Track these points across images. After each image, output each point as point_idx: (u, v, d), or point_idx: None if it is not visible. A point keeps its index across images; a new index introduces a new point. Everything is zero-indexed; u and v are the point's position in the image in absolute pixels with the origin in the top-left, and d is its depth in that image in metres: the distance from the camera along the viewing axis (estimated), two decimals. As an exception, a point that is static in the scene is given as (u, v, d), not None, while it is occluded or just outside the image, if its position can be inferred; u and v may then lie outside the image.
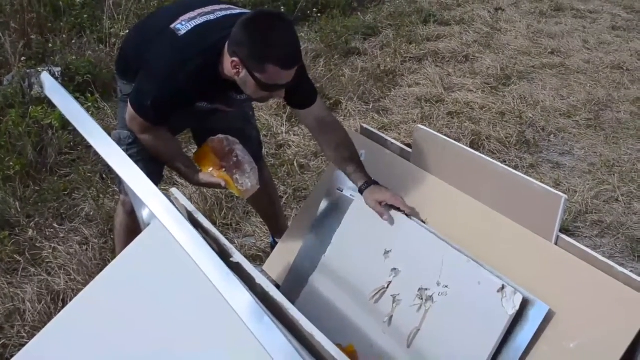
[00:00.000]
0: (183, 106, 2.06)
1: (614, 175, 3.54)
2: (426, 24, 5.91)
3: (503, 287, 1.66)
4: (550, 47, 5.49)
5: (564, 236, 1.83)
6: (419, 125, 2.26)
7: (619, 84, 4.81)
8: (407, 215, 2.05)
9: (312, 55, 4.87)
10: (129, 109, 2.05)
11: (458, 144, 2.09)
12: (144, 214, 1.92)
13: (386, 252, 1.99)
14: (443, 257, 1.85)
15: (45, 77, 1.73)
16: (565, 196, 1.81)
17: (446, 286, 1.78)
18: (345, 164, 2.16)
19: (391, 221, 2.07)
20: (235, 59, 1.87)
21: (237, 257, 1.66)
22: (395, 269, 1.96)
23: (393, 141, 2.32)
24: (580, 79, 4.88)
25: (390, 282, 1.97)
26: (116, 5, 4.86)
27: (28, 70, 3.96)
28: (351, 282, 2.14)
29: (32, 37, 4.27)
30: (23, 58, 3.97)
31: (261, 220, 2.99)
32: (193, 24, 2.01)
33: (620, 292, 1.68)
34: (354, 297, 2.11)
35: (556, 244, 1.84)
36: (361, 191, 2.11)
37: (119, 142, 2.13)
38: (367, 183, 2.11)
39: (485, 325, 1.69)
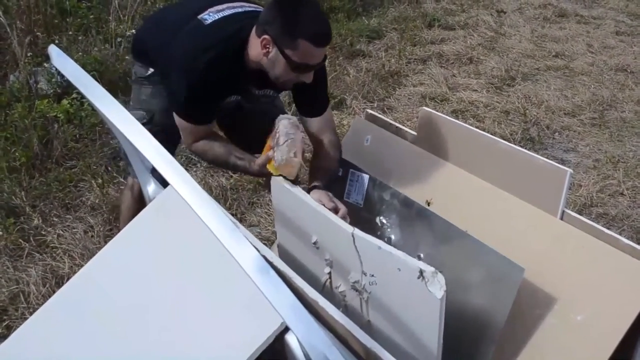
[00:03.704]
0: (217, 97, 2.02)
1: (618, 170, 3.55)
2: (430, 28, 5.94)
3: (421, 272, 1.42)
4: (554, 50, 5.52)
5: (569, 211, 1.83)
6: (424, 108, 2.26)
7: (623, 85, 4.82)
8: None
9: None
10: (176, 119, 2.01)
11: (462, 123, 2.09)
12: (149, 190, 1.93)
13: (314, 243, 1.83)
14: (357, 245, 1.65)
15: (52, 48, 1.74)
16: (570, 170, 1.81)
17: (372, 275, 1.64)
18: (318, 171, 2.05)
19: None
20: (265, 36, 1.84)
21: (242, 230, 1.65)
22: (327, 259, 1.81)
23: (398, 125, 2.33)
24: (585, 81, 4.90)
25: (330, 273, 1.84)
26: (122, 7, 4.89)
27: (34, 68, 3.99)
28: (302, 274, 1.99)
29: (38, 34, 4.30)
30: (29, 54, 3.99)
31: (266, 210, 2.99)
32: (220, 15, 2.01)
33: (627, 264, 1.68)
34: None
35: (562, 218, 1.83)
36: (309, 190, 1.96)
37: None
38: (318, 187, 1.96)
39: (421, 312, 1.49)
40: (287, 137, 1.85)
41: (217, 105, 2.04)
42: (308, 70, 1.90)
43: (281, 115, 1.95)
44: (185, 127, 2.03)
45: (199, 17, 2.01)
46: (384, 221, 2.05)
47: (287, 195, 1.83)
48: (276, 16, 1.83)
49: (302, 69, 1.88)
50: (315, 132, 2.14)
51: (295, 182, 1.87)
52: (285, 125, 1.87)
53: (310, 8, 1.86)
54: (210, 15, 2.01)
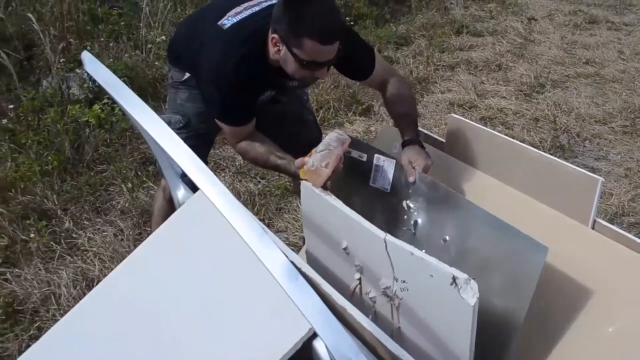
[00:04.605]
0: (249, 97, 2.04)
1: (651, 179, 3.49)
2: (459, 34, 5.93)
3: (454, 279, 1.42)
4: (584, 57, 5.46)
5: (600, 220, 1.80)
6: (453, 115, 2.25)
7: (655, 93, 4.75)
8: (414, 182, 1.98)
9: (344, 63, 4.90)
10: (218, 123, 2.05)
11: (491, 130, 2.08)
12: (179, 195, 1.95)
13: (344, 249, 1.80)
14: (389, 250, 1.62)
15: (85, 54, 1.76)
16: (601, 179, 1.78)
17: (404, 281, 1.62)
18: (400, 119, 2.15)
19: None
20: (275, 35, 1.86)
21: (270, 235, 1.66)
22: (357, 265, 1.78)
23: (426, 132, 2.32)
24: (616, 88, 4.83)
25: (360, 279, 1.82)
26: (152, 14, 4.95)
27: (67, 74, 4.06)
28: (330, 280, 1.94)
29: (71, 40, 4.38)
30: (62, 60, 4.06)
31: (293, 216, 3.00)
32: (239, 17, 2.03)
33: (660, 274, 1.65)
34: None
35: (593, 228, 1.81)
36: (403, 145, 2.07)
37: (168, 125, 2.13)
38: (411, 141, 2.06)
39: (453, 319, 1.48)
40: (326, 147, 1.83)
41: (253, 104, 2.06)
42: (319, 67, 1.89)
43: (336, 130, 1.94)
44: (227, 130, 2.07)
45: (219, 23, 2.03)
46: (411, 205, 2.04)
47: (316, 200, 1.83)
48: (283, 14, 1.84)
49: (312, 67, 1.88)
50: (377, 85, 2.22)
51: (324, 187, 1.86)
52: (331, 136, 1.86)
53: (316, 5, 1.83)
54: (229, 20, 2.03)
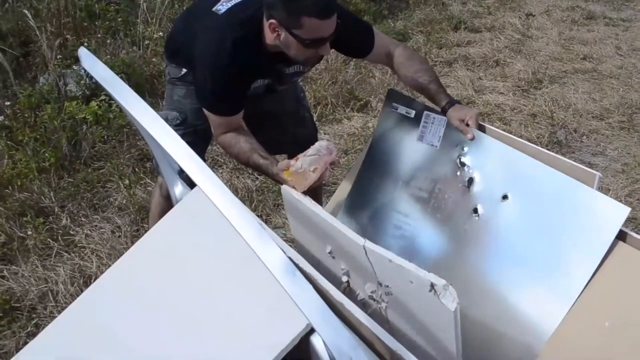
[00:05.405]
0: (241, 84, 2.03)
1: (648, 174, 3.50)
2: (457, 30, 5.91)
3: (432, 286, 1.37)
4: (582, 53, 5.45)
5: (598, 215, 1.80)
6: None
7: (653, 89, 4.75)
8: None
9: (342, 59, 4.89)
10: (205, 112, 2.04)
11: (489, 126, 2.07)
12: (176, 191, 1.95)
13: (330, 253, 1.78)
14: (369, 257, 1.58)
15: (82, 50, 1.76)
16: (599, 174, 1.79)
17: (387, 286, 1.60)
18: (426, 89, 2.13)
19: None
20: (272, 21, 1.86)
21: (268, 231, 1.66)
22: (343, 269, 1.77)
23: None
24: (613, 84, 4.83)
25: (348, 282, 1.80)
26: (149, 10, 4.94)
27: (63, 71, 4.05)
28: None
29: (68, 37, 4.37)
30: (59, 57, 4.06)
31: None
32: (233, 1, 2.03)
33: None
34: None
35: (590, 222, 1.81)
36: (445, 111, 2.08)
37: (165, 122, 2.12)
38: (450, 102, 2.08)
39: (436, 324, 1.47)
40: (316, 152, 1.81)
41: (244, 93, 2.05)
42: (322, 44, 1.89)
43: (325, 139, 1.92)
44: (214, 120, 2.05)
45: (213, 9, 2.04)
46: (465, 162, 2.05)
47: (298, 205, 1.82)
48: None
49: (315, 45, 1.88)
50: (382, 59, 2.21)
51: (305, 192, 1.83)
52: (321, 144, 1.84)
53: None
54: (223, 5, 2.03)
